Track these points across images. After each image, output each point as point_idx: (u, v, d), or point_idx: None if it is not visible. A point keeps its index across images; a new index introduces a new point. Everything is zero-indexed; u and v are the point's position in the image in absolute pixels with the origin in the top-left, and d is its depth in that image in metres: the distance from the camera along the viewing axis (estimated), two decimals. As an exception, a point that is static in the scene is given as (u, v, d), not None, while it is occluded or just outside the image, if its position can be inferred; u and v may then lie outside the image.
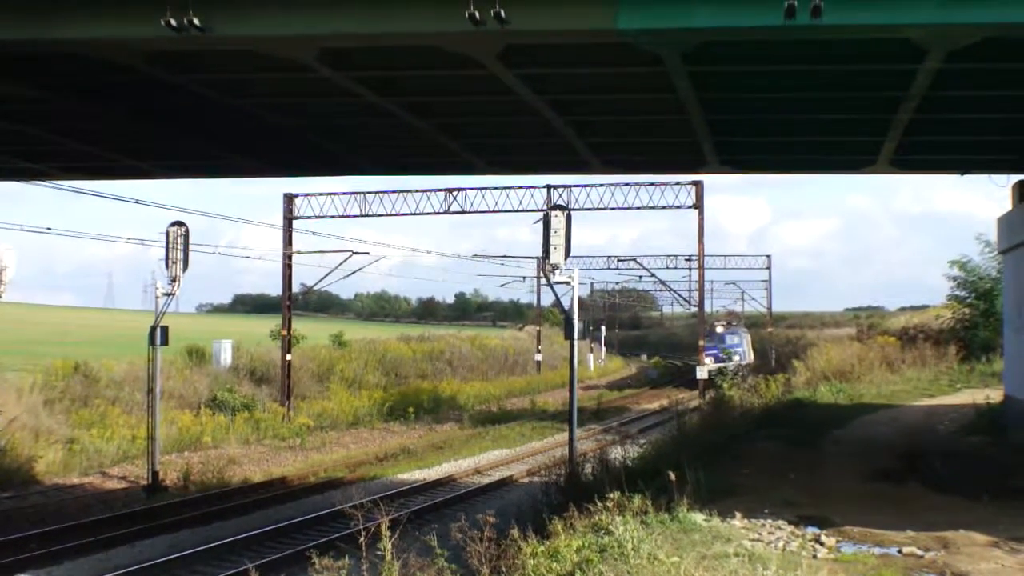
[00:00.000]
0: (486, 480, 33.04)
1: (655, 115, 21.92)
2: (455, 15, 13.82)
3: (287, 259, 49.36)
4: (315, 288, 56.50)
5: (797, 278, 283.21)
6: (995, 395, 32.12)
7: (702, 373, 57.52)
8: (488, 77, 17.63)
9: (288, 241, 49.14)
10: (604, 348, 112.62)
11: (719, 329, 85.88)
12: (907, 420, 33.08)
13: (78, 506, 28.14)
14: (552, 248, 26.45)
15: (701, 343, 58.78)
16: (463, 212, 48.34)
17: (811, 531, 16.31)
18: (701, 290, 56.93)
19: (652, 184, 48.25)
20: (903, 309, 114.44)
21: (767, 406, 37.64)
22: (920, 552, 15.06)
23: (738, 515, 16.94)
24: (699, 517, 16.24)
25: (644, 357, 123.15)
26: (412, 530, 16.93)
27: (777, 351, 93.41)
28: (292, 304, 50.71)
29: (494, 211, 48.25)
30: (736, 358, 77.61)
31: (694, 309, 62.15)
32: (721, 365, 70.35)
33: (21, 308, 78.59)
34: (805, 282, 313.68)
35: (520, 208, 48.04)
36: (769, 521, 16.83)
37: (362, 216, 49.32)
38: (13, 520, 25.85)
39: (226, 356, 51.31)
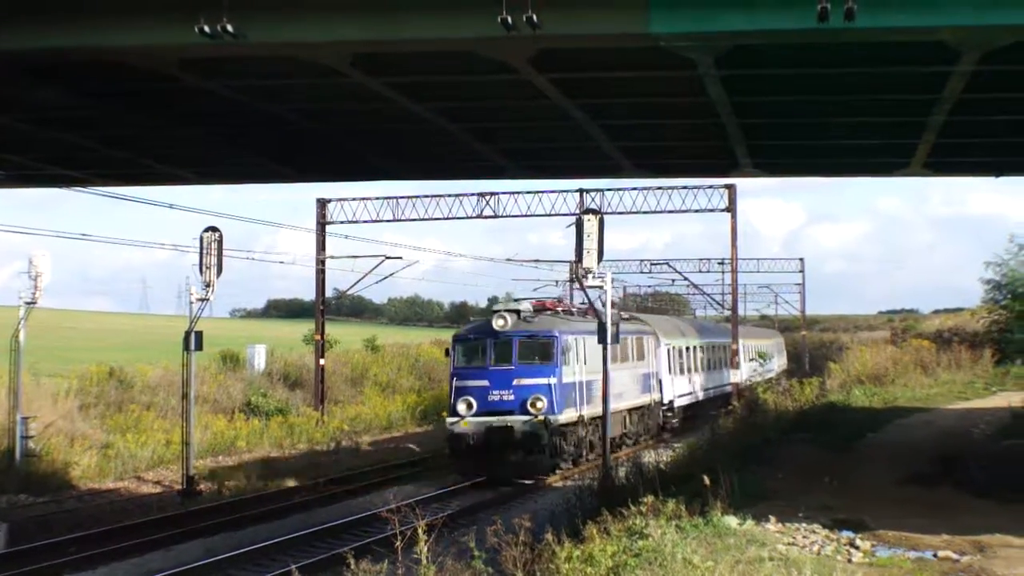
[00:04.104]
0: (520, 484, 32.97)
1: (688, 119, 21.87)
2: (488, 20, 13.83)
3: (320, 264, 49.51)
4: (348, 293, 56.54)
5: (831, 281, 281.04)
6: (1031, 398, 31.95)
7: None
8: (521, 82, 17.65)
9: (321, 246, 49.30)
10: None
11: (537, 319, 32.39)
12: (942, 423, 32.90)
13: (113, 510, 28.28)
14: (585, 252, 26.47)
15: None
16: (496, 216, 48.47)
17: (846, 535, 16.27)
18: (735, 293, 56.62)
19: (685, 188, 48.22)
20: (937, 312, 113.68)
21: (801, 409, 37.53)
22: (956, 556, 15.00)
23: (772, 519, 16.90)
24: (733, 521, 16.23)
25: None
26: (447, 533, 16.94)
27: (811, 354, 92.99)
28: (325, 309, 50.90)
29: (527, 215, 48.37)
30: (584, 408, 32.38)
31: (727, 312, 61.75)
32: (527, 420, 30.34)
33: (57, 313, 79.10)
34: (839, 285, 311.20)
35: (553, 212, 48.06)
36: (804, 525, 16.79)
37: (395, 221, 49.58)
38: (50, 525, 26.02)
39: (260, 361, 51.57)
